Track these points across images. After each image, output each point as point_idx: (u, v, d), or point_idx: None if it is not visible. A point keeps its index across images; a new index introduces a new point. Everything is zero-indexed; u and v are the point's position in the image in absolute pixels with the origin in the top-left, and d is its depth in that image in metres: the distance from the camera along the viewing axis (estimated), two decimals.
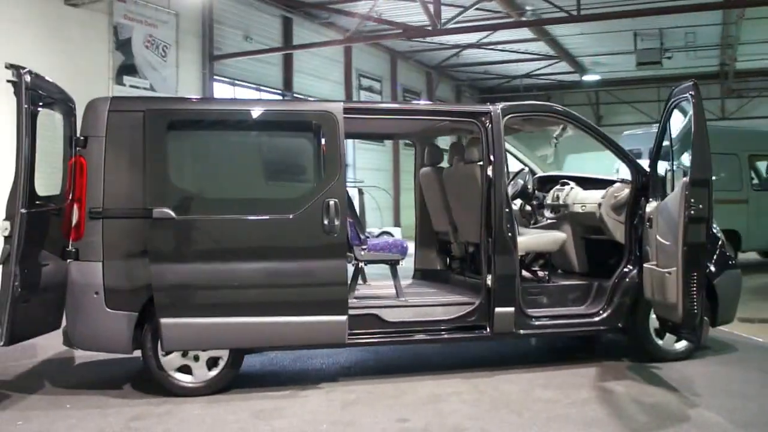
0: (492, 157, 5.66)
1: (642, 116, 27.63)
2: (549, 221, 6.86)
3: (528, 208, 7.19)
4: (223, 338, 5.06)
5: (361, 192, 15.98)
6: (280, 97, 20.21)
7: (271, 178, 5.44)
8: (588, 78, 27.19)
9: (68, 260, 5.01)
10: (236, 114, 5.41)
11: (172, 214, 4.93)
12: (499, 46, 23.43)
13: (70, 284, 5.00)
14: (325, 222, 5.12)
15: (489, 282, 5.64)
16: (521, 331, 5.71)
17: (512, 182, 7.21)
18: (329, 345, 5.45)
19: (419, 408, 4.88)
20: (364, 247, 5.89)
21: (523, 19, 18.40)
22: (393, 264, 5.98)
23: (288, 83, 20.20)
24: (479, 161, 5.85)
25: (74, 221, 5.02)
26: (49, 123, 4.87)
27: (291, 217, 5.13)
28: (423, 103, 5.95)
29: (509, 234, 5.65)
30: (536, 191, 7.15)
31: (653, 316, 5.94)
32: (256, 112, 5.29)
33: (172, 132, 5.07)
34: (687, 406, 4.87)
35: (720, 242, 6.35)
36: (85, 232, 4.98)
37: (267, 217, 5.14)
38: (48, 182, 4.90)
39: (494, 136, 5.67)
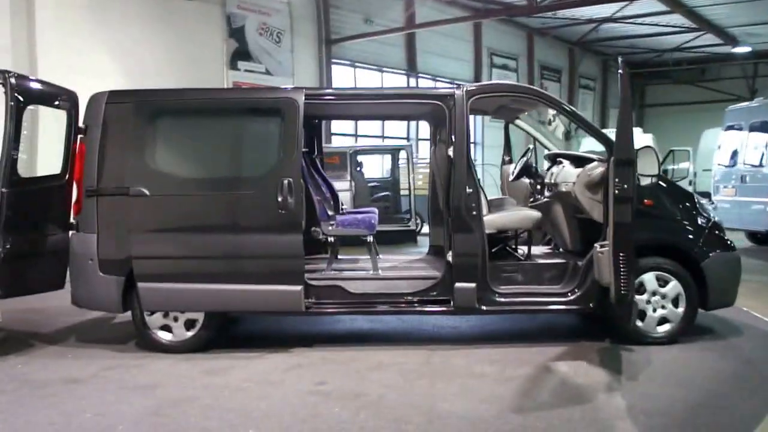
0: (453, 138, 5.79)
1: None
2: (545, 200, 6.80)
3: (532, 186, 7.15)
4: (192, 302, 5.72)
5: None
6: (404, 78, 20.68)
7: (235, 159, 5.95)
8: (739, 50, 24.90)
9: (70, 232, 5.89)
10: (207, 102, 6.00)
11: (146, 191, 5.65)
12: (638, 20, 22.21)
13: (71, 252, 5.88)
14: (280, 199, 5.58)
15: (450, 258, 5.81)
16: (484, 307, 5.81)
17: (520, 161, 7.23)
18: (287, 312, 5.93)
19: (349, 374, 5.22)
20: (332, 222, 6.27)
21: None
22: (364, 239, 6.32)
23: (412, 63, 20.59)
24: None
25: (74, 198, 5.89)
26: (32, 116, 5.74)
27: (250, 194, 5.66)
28: (387, 87, 6.06)
29: (472, 212, 5.76)
30: (537, 170, 7.09)
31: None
32: (225, 100, 5.87)
33: (150, 119, 5.79)
34: (609, 390, 4.78)
35: (711, 224, 6.00)
36: (83, 208, 5.82)
37: (229, 194, 5.70)
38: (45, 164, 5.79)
39: (457, 117, 5.79)
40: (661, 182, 6.00)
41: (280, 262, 5.66)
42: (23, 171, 5.76)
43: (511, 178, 7.33)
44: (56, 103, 5.90)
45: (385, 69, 19.81)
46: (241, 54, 15.63)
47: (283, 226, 5.63)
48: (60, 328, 6.83)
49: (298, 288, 5.65)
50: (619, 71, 5.09)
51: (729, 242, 6.09)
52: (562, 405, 4.55)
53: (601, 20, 22.88)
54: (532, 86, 6.15)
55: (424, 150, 21.12)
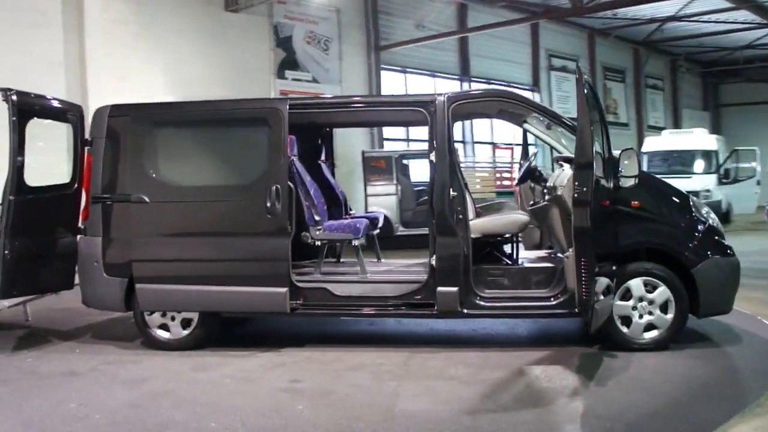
0: (435, 143, 5.90)
1: None
2: (544, 203, 6.80)
3: (531, 189, 7.15)
4: (185, 302, 6.05)
5: None
6: (458, 83, 20.73)
7: (226, 167, 6.25)
8: None
9: (78, 236, 6.32)
10: (199, 113, 6.34)
11: (146, 198, 6.01)
12: (704, 17, 21.52)
13: (79, 255, 6.30)
14: (268, 205, 5.83)
15: (433, 261, 5.91)
16: (466, 311, 5.88)
17: (525, 164, 7.25)
18: (273, 313, 6.15)
19: (326, 373, 5.41)
20: (319, 227, 6.46)
21: None
22: (350, 243, 6.51)
23: (465, 68, 20.59)
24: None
25: (83, 205, 6.32)
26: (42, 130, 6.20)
27: (240, 200, 5.93)
28: (370, 95, 6.12)
29: (454, 216, 5.85)
30: (542, 173, 7.08)
31: (617, 302, 5.75)
32: (215, 111, 6.17)
33: (148, 131, 6.17)
34: (572, 394, 4.80)
35: (706, 227, 5.87)
36: (90, 214, 6.24)
37: (221, 201, 6.00)
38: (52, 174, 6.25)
39: (437, 123, 5.90)
40: (652, 183, 5.93)
41: (266, 264, 5.92)
42: (36, 180, 6.23)
43: (515, 182, 7.36)
44: (59, 116, 6.33)
45: (437, 74, 19.89)
46: (288, 63, 16.00)
47: (270, 230, 5.88)
48: (80, 326, 7.28)
49: (284, 290, 5.88)
50: (576, 76, 5.09)
51: (727, 247, 5.94)
52: (518, 408, 4.60)
53: (663, 19, 22.29)
54: (510, 90, 6.14)
55: (484, 152, 21.17)
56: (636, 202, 5.79)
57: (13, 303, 6.94)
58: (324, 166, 7.67)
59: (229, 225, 6.01)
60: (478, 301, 5.90)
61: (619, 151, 5.62)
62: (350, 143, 15.72)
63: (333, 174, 7.93)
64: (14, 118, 5.75)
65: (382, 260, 7.55)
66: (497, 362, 5.58)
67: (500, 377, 5.22)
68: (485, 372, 5.34)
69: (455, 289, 5.85)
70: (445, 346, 6.21)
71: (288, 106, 5.98)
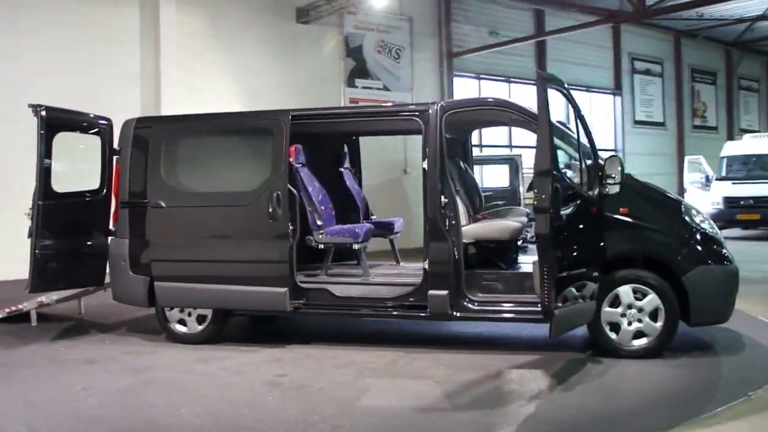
0: (427, 151, 6.12)
1: None
2: None
3: None
4: (196, 300, 6.54)
5: None
6: (533, 88, 20.57)
7: (233, 174, 6.69)
8: None
9: (109, 237, 6.95)
10: (209, 125, 6.86)
11: (163, 204, 6.56)
12: None
13: (110, 254, 6.93)
14: (270, 210, 6.23)
15: (426, 266, 6.13)
16: (457, 314, 6.06)
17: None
18: (275, 312, 6.52)
19: (314, 369, 5.73)
20: (321, 231, 6.78)
21: None
22: (350, 247, 6.81)
23: None
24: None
25: (113, 209, 6.94)
26: (71, 142, 6.86)
27: (246, 206, 6.37)
28: (367, 105, 6.21)
29: (446, 222, 6.05)
30: None
31: (606, 308, 5.78)
32: (223, 123, 6.67)
33: (165, 141, 6.72)
34: (531, 397, 4.91)
35: (701, 234, 5.79)
36: (119, 217, 6.85)
37: (228, 206, 6.45)
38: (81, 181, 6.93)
39: (430, 131, 6.12)
40: (642, 190, 5.90)
41: (268, 266, 6.31)
42: (73, 186, 6.92)
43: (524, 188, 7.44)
44: (88, 129, 6.98)
45: (512, 80, 19.83)
46: (358, 72, 16.38)
47: (272, 233, 6.27)
48: (121, 320, 7.92)
49: (284, 290, 6.25)
50: (537, 86, 5.19)
51: (723, 255, 5.84)
52: (471, 408, 4.76)
53: (752, 19, 21.29)
54: (500, 98, 6.23)
55: None
56: (624, 209, 5.79)
57: (61, 297, 7.68)
58: (347, 174, 8.01)
59: (235, 228, 6.46)
60: (468, 305, 6.06)
61: (604, 158, 5.67)
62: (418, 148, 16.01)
63: (359, 181, 8.26)
64: (42, 132, 6.41)
65: (401, 263, 7.81)
66: (481, 364, 5.73)
67: (474, 378, 5.37)
68: (462, 373, 5.50)
69: (445, 292, 6.03)
70: (442, 347, 6.37)
71: (290, 118, 6.36)
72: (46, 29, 11.94)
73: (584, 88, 21.30)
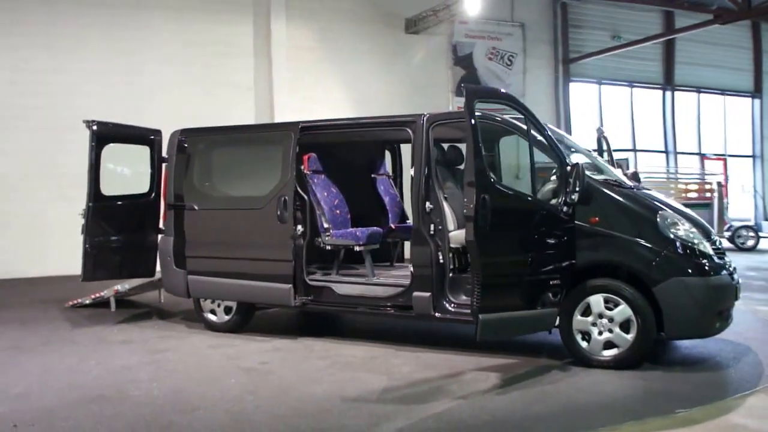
0: (414, 159, 6.42)
1: None
2: None
3: None
4: (219, 292, 7.33)
5: None
6: (659, 92, 19.64)
7: (251, 180, 7.38)
8: None
9: (159, 235, 7.94)
10: (232, 135, 7.63)
11: (195, 206, 7.42)
12: None
13: (159, 250, 7.91)
14: (278, 213, 6.86)
15: (411, 269, 6.44)
16: (437, 315, 6.30)
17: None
18: (281, 305, 7.13)
19: (299, 360, 6.24)
20: (328, 234, 7.23)
21: None
22: (355, 249, 7.21)
23: (668, 77, 19.43)
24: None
25: (162, 211, 7.93)
26: (121, 153, 7.90)
27: (260, 209, 7.04)
28: (367, 116, 6.07)
29: (431, 227, 6.32)
30: None
31: (577, 317, 5.77)
32: (243, 134, 7.41)
33: (199, 150, 7.59)
34: (462, 398, 5.05)
35: (678, 244, 5.56)
36: (167, 218, 7.81)
37: (247, 209, 7.17)
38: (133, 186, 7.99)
39: (417, 141, 6.41)
40: (614, 200, 5.77)
41: (277, 264, 6.93)
42: (130, 189, 8.03)
43: None
44: (138, 140, 7.99)
45: (635, 84, 19.03)
46: (468, 80, 16.55)
47: (280, 234, 6.89)
48: (186, 309, 8.92)
49: (288, 286, 6.84)
50: (463, 99, 5.29)
51: (704, 266, 5.58)
52: (389, 402, 5.02)
53: None
54: (489, 113, 6.26)
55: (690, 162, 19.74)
56: (595, 218, 5.73)
57: (134, 286, 8.83)
58: (382, 180, 8.43)
59: (251, 229, 7.15)
60: (449, 307, 6.27)
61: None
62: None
63: (394, 186, 8.63)
64: (93, 144, 7.48)
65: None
66: (450, 364, 5.93)
67: (426, 377, 5.61)
68: (422, 371, 5.76)
69: (428, 294, 6.30)
70: (430, 346, 6.59)
71: (300, 128, 6.95)
72: (162, 48, 13.51)
73: (718, 91, 19.96)
